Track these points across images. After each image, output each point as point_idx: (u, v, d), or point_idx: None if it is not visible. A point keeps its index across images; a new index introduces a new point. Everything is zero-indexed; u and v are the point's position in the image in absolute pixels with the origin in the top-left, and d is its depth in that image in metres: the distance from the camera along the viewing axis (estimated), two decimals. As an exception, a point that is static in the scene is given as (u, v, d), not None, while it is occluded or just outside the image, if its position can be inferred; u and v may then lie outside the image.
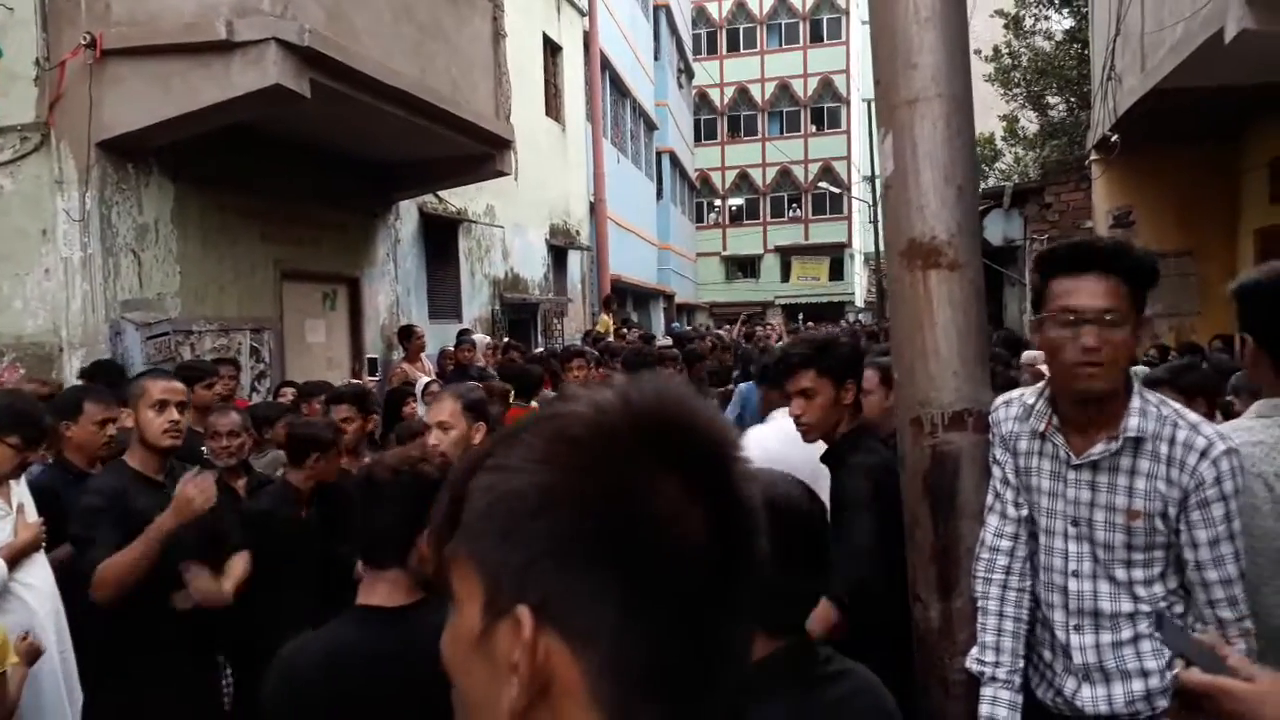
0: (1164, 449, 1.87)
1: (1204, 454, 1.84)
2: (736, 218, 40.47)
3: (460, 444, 2.93)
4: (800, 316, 28.43)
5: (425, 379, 7.16)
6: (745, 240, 39.58)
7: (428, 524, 2.03)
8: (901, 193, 2.23)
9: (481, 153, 8.64)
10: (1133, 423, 1.89)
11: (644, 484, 0.64)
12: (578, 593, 0.63)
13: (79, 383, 5.24)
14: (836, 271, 38.42)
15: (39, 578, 3.17)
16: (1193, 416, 1.92)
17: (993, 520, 2.14)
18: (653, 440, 0.66)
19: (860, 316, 31.67)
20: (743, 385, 7.29)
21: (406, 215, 9.76)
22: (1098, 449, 1.92)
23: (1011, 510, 2.10)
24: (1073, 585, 1.99)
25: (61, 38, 5.71)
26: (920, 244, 2.20)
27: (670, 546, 0.64)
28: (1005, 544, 2.11)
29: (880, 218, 2.54)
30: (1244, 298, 2.02)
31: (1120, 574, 1.93)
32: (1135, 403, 1.91)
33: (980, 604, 2.13)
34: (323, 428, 3.88)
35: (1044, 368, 3.34)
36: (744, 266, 39.91)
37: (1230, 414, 3.19)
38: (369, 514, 1.99)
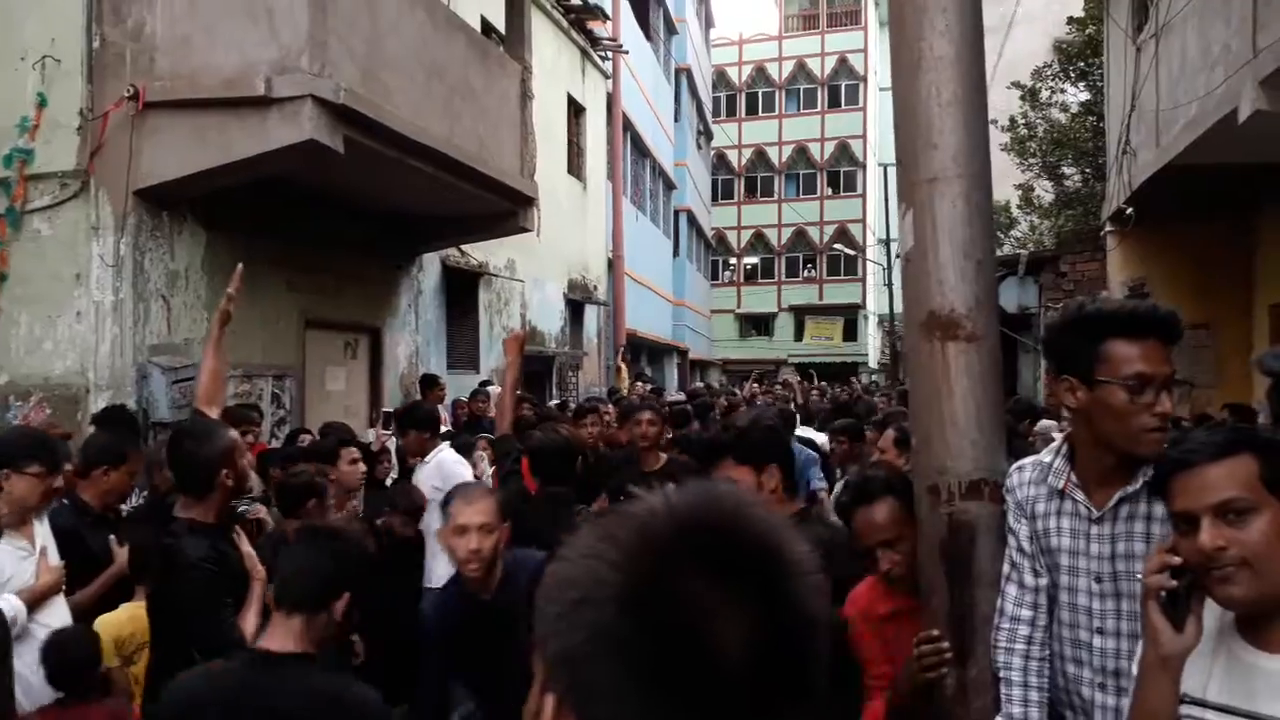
0: None
1: None
2: (751, 276, 40.76)
3: (495, 549, 2.83)
4: (814, 375, 28.37)
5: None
6: (760, 298, 39.82)
7: (343, 586, 2.25)
8: (921, 266, 2.30)
9: (505, 209, 8.81)
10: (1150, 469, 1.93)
11: (677, 589, 0.64)
12: (601, 688, 0.64)
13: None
14: (850, 332, 38.50)
15: (59, 619, 3.21)
16: None
17: (1011, 590, 2.16)
18: (695, 547, 0.65)
19: (875, 378, 31.64)
20: None
21: (429, 267, 9.92)
22: (1116, 497, 1.96)
23: (1029, 579, 2.12)
24: (1097, 642, 2.00)
25: (105, 89, 5.91)
26: (939, 316, 2.27)
27: (699, 657, 0.63)
28: (1026, 613, 2.12)
29: (898, 286, 2.59)
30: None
31: None
32: None
33: (1003, 675, 2.13)
34: (314, 477, 3.96)
35: (1057, 435, 3.36)
36: (758, 324, 40.07)
37: None
38: (288, 559, 2.25)
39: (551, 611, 0.67)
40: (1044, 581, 2.11)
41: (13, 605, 2.98)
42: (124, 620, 3.39)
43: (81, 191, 5.92)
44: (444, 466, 4.97)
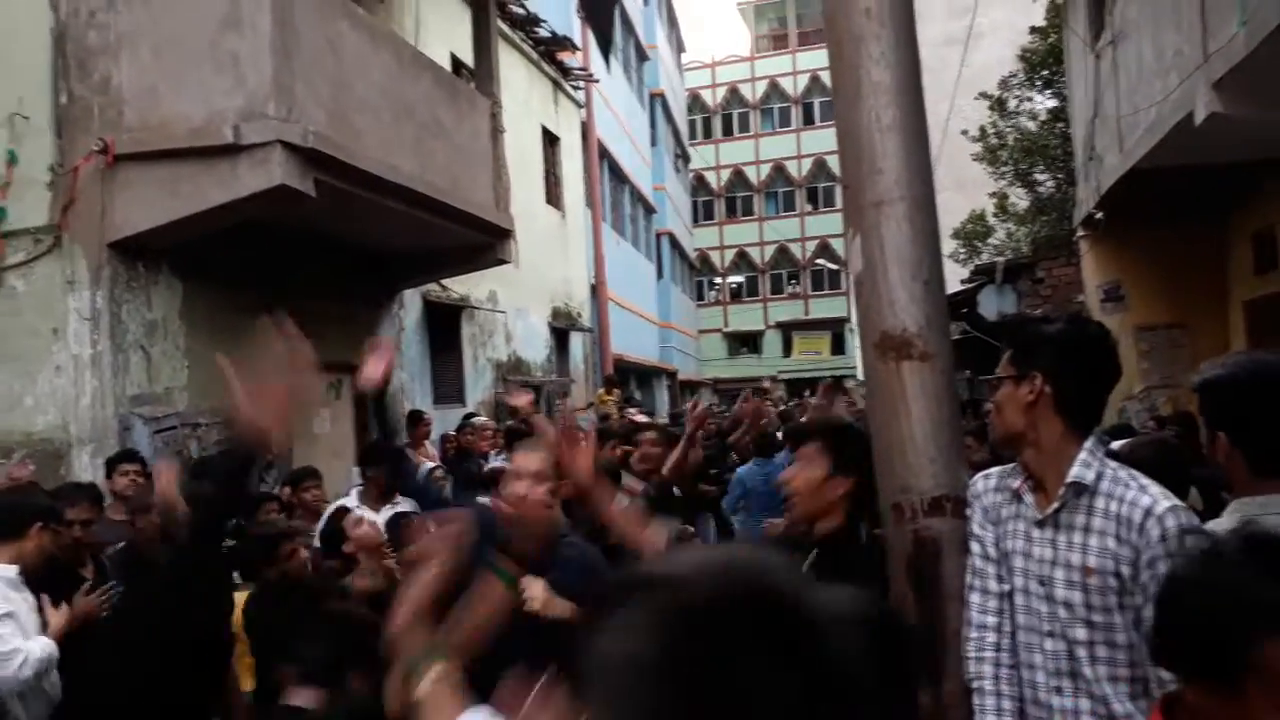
0: (1114, 507, 1.93)
1: (1149, 511, 1.89)
2: (737, 295, 40.92)
3: (546, 499, 2.73)
4: (806, 392, 28.47)
5: (430, 465, 7.23)
6: (746, 317, 39.96)
7: (357, 662, 2.31)
8: (872, 288, 2.35)
9: (483, 242, 8.86)
10: (1074, 470, 1.97)
11: (720, 662, 0.64)
12: None
13: (82, 479, 5.35)
14: (838, 346, 38.63)
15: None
16: (1143, 479, 1.97)
17: (975, 598, 2.18)
18: (732, 618, 0.66)
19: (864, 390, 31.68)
20: (740, 469, 7.32)
21: (410, 304, 9.95)
22: (1053, 505, 2.00)
23: (994, 585, 2.14)
24: (1049, 645, 2.02)
25: (75, 144, 5.93)
26: (892, 337, 2.31)
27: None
28: (991, 619, 2.14)
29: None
30: (1211, 392, 1.99)
31: (1081, 634, 1.96)
32: (1081, 455, 1.99)
33: (975, 685, 2.14)
34: (284, 527, 4.03)
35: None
36: (746, 342, 40.19)
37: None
38: (306, 643, 2.39)
39: (606, 693, 0.67)
40: (1007, 587, 2.13)
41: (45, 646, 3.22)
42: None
43: (55, 247, 5.93)
44: None
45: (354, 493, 5.31)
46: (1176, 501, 1.92)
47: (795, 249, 39.62)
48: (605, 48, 13.27)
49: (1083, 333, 2.07)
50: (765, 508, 6.66)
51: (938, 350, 2.31)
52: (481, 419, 9.82)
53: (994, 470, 2.22)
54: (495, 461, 8.30)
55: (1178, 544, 1.85)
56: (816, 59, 39.35)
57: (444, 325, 10.88)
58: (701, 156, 37.19)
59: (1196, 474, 3.54)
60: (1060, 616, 1.99)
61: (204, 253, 6.47)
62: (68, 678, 3.38)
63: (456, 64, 10.71)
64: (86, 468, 5.72)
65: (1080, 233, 10.48)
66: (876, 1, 2.39)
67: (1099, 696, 1.95)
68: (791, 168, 39.84)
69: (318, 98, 6.11)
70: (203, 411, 6.56)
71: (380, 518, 5.02)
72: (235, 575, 4.73)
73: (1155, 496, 1.91)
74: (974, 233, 15.81)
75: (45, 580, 3.70)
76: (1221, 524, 2.03)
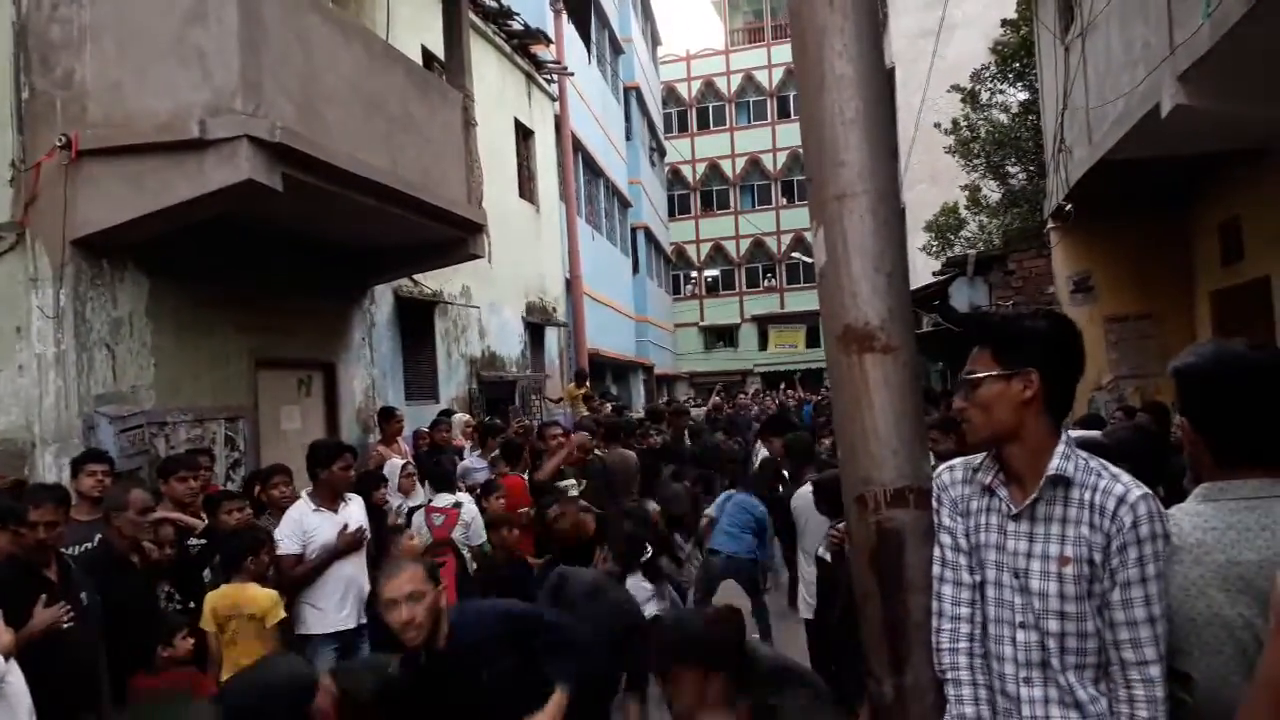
0: (1088, 496, 1.96)
1: (1122, 499, 1.92)
2: (713, 288, 41.01)
3: (431, 611, 2.96)
4: (782, 385, 28.58)
5: (400, 461, 7.20)
6: (722, 310, 40.05)
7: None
8: (835, 281, 2.35)
9: (455, 237, 8.81)
10: (1054, 463, 1.99)
11: None
12: None
13: (46, 479, 5.28)
14: (813, 339, 38.77)
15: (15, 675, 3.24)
16: (1113, 468, 2.01)
17: (947, 590, 2.17)
18: None
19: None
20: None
21: (382, 299, 9.88)
22: (1031, 496, 2.02)
23: (966, 576, 2.14)
24: (1020, 636, 2.03)
25: (38, 139, 5.84)
26: (855, 329, 2.31)
27: None
28: (965, 611, 2.14)
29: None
30: (1181, 379, 2.03)
31: (1054, 625, 1.98)
32: (1060, 448, 2.01)
33: (950, 675, 2.14)
34: (255, 534, 4.12)
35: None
36: (722, 336, 40.30)
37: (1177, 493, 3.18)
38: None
39: None
40: (978, 579, 2.14)
41: None
42: (223, 594, 4.17)
43: (17, 244, 5.84)
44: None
45: (304, 494, 5.29)
46: (1147, 490, 1.95)
47: (770, 242, 39.76)
48: (585, 32, 13.19)
49: (1067, 329, 2.10)
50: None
51: (901, 343, 2.31)
52: (462, 415, 9.79)
53: (958, 461, 2.23)
54: (470, 459, 8.29)
55: (1148, 530, 1.90)
56: (791, 52, 39.54)
57: (416, 321, 10.82)
58: (677, 150, 37.19)
59: (1175, 462, 3.58)
60: (1035, 608, 2.01)
61: (171, 249, 6.40)
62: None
63: (428, 57, 10.63)
64: (50, 468, 5.65)
65: (1050, 224, 10.57)
66: (840, -6, 2.39)
67: (1064, 685, 1.98)
68: (766, 161, 39.95)
69: (286, 92, 6.04)
70: (169, 410, 6.49)
71: (338, 518, 5.11)
72: (206, 574, 4.73)
73: (1127, 485, 1.95)
74: (947, 225, 15.90)
75: (7, 582, 3.66)
76: (1184, 507, 2.06)
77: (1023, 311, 2.85)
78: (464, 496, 6.30)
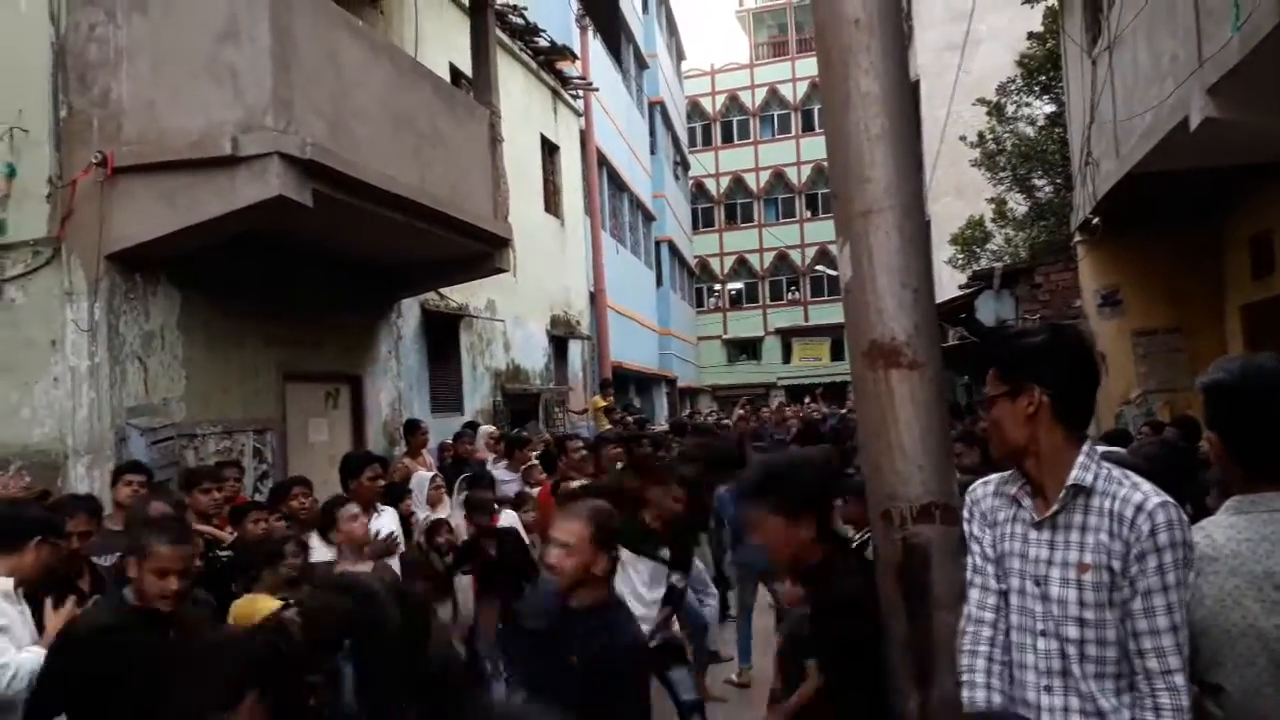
0: (1108, 504, 1.97)
1: (1140, 507, 1.93)
2: (736, 302, 40.95)
3: (578, 572, 2.83)
4: (806, 400, 28.49)
5: (429, 474, 7.24)
6: (746, 323, 39.98)
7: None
8: (860, 297, 2.36)
9: (481, 251, 8.88)
10: (1074, 473, 2.01)
11: None
12: None
13: (79, 490, 5.36)
14: (837, 352, 38.63)
15: None
16: (1135, 477, 2.02)
17: (974, 594, 2.19)
18: None
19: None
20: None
21: (408, 313, 9.97)
22: (1054, 507, 2.03)
23: (993, 583, 2.16)
24: (1041, 644, 2.04)
25: (74, 156, 5.95)
26: (880, 345, 2.32)
27: None
28: (989, 615, 2.16)
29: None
30: (1209, 395, 2.04)
31: (1073, 632, 1.99)
32: (1080, 458, 2.02)
33: (966, 678, 2.15)
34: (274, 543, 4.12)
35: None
36: (745, 349, 40.22)
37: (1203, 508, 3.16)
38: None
39: None
40: (1004, 587, 2.15)
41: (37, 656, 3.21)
42: (240, 606, 3.96)
43: (53, 258, 5.95)
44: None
45: None
46: (1167, 498, 1.96)
47: (795, 255, 39.67)
48: (614, 47, 13.24)
49: (1068, 340, 2.11)
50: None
51: (926, 358, 2.32)
52: (487, 428, 9.84)
53: (993, 477, 2.24)
54: (496, 470, 8.32)
55: (1167, 538, 1.90)
56: (815, 66, 39.52)
57: (442, 334, 10.90)
58: (701, 163, 37.28)
59: (1202, 478, 3.55)
60: (1054, 614, 2.02)
61: (202, 264, 6.49)
62: None
63: (455, 74, 10.74)
64: (83, 479, 5.73)
65: (1077, 238, 10.50)
66: (866, 12, 2.41)
67: (1086, 694, 1.98)
68: (791, 174, 39.92)
69: (316, 109, 6.13)
70: (199, 422, 6.57)
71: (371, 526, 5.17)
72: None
73: (1147, 493, 1.96)
74: (972, 238, 15.82)
75: (42, 591, 3.72)
76: (1217, 519, 2.06)
77: (1026, 328, 2.86)
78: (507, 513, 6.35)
